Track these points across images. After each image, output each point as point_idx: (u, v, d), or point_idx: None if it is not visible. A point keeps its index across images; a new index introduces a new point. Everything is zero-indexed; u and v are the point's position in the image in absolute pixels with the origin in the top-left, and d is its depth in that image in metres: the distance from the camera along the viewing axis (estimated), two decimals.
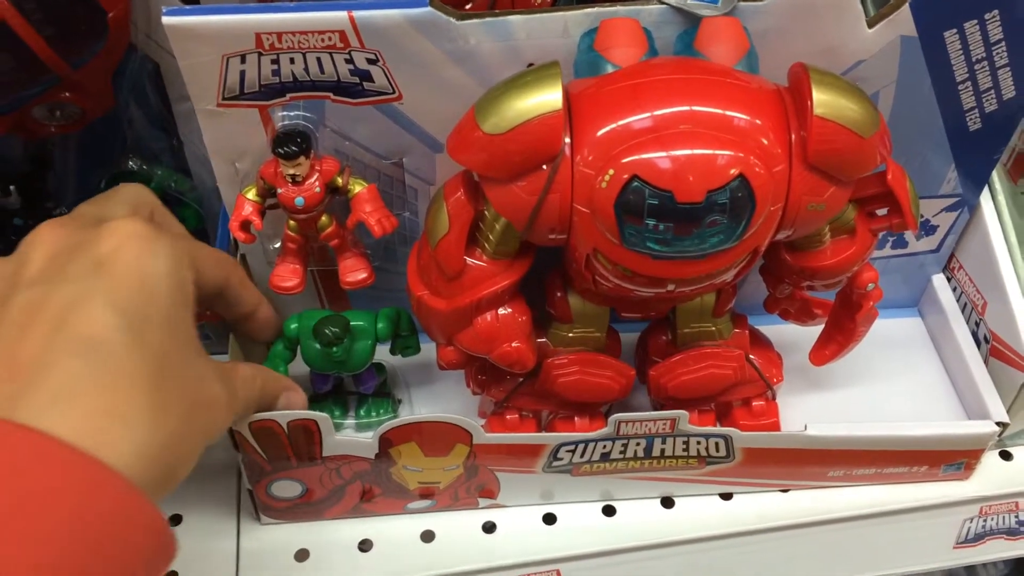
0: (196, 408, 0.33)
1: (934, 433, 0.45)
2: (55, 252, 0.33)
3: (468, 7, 0.45)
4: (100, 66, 0.44)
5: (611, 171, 0.33)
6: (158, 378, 0.31)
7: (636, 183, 0.33)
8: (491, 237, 0.37)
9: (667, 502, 0.47)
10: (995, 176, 0.47)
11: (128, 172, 0.50)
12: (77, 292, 0.31)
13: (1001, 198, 0.47)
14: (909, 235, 0.49)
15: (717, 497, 0.47)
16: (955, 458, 0.46)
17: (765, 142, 0.33)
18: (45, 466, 0.26)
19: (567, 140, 0.33)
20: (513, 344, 0.40)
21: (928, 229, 0.48)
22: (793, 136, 0.34)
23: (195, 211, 0.51)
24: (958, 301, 0.50)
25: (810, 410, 0.49)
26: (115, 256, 0.32)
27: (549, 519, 0.46)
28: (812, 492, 0.47)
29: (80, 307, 0.30)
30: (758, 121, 0.33)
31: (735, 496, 0.47)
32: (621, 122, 0.33)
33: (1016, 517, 0.48)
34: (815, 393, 0.50)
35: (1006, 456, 0.49)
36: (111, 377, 0.29)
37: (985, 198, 0.47)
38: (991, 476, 0.48)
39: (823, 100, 0.33)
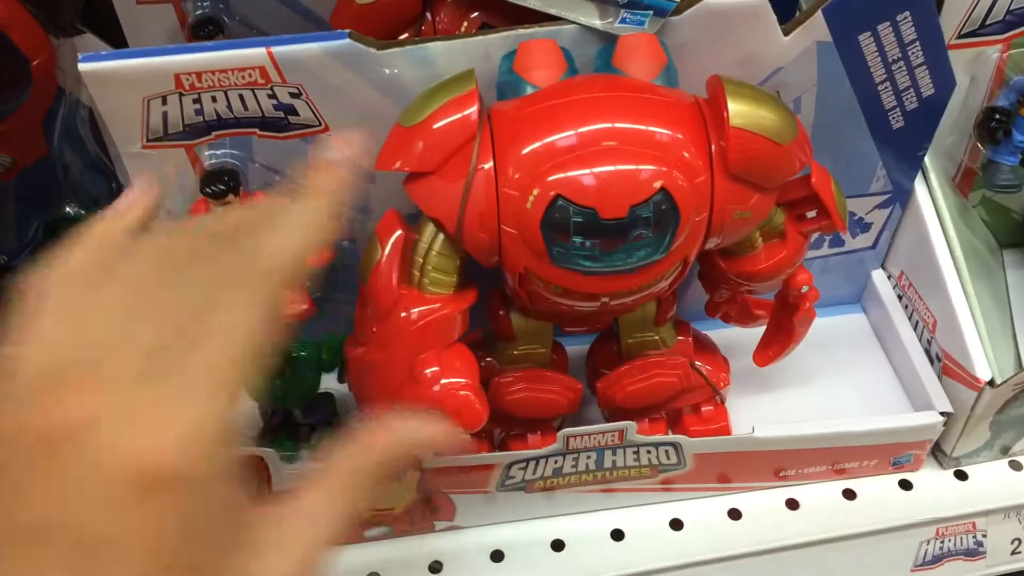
0: None
1: (878, 427, 0.45)
2: None
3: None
4: (27, 115, 0.44)
5: (535, 191, 0.33)
6: None
7: (560, 202, 0.33)
8: (427, 266, 0.37)
9: (618, 534, 0.46)
10: (939, 192, 0.47)
11: (65, 217, 0.50)
12: None
13: (947, 215, 0.46)
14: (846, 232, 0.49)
15: (668, 527, 0.46)
16: (903, 450, 0.47)
17: (686, 154, 0.34)
18: None
19: (490, 163, 0.34)
20: (461, 393, 0.38)
21: (863, 226, 0.49)
22: (713, 147, 0.34)
23: None
24: (910, 320, 0.50)
25: (762, 411, 0.49)
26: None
27: (496, 556, 0.46)
28: (765, 519, 0.47)
29: None
30: (678, 134, 0.34)
31: (685, 525, 0.46)
32: (542, 142, 0.33)
33: (974, 537, 0.47)
34: (766, 394, 0.50)
35: (961, 476, 0.48)
36: None
37: (929, 212, 0.47)
38: (946, 497, 0.47)
39: (739, 111, 0.34)
